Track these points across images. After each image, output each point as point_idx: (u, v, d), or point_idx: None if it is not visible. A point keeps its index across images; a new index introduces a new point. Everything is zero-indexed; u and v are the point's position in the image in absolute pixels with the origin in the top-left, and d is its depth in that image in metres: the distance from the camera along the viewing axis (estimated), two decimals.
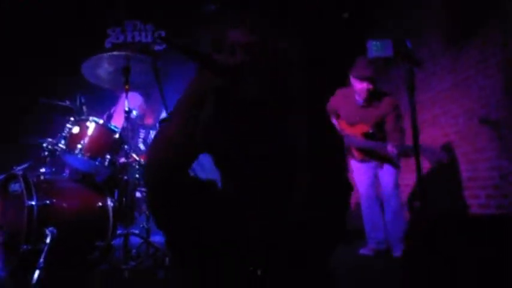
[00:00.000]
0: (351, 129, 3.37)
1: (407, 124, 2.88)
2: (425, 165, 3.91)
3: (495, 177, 3.28)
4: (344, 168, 1.50)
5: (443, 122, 3.89)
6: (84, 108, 2.85)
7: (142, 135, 3.92)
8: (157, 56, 4.86)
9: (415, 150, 2.25)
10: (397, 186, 3.32)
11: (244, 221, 1.35)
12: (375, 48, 2.90)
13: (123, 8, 4.86)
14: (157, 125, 3.23)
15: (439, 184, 3.82)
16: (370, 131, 3.29)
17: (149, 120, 3.98)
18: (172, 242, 1.36)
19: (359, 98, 3.32)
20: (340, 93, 3.39)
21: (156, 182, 1.32)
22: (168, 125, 1.36)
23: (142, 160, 2.90)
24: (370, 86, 3.24)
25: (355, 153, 3.38)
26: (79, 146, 2.64)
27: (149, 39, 5.16)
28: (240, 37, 1.33)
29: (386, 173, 3.34)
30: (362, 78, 3.23)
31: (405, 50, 2.44)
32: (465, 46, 3.57)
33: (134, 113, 2.98)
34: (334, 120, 3.44)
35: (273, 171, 1.34)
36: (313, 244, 1.30)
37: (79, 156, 2.63)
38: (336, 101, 3.39)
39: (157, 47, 5.09)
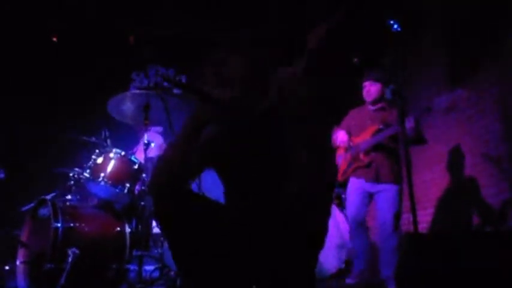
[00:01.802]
0: (361, 137, 3.38)
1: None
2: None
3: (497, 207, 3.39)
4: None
5: (447, 159, 4.04)
6: (109, 141, 3.16)
7: None
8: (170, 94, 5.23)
9: (409, 189, 2.40)
10: (397, 217, 3.17)
11: (247, 236, 1.51)
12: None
13: (149, 52, 5.30)
14: None
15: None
16: (381, 126, 3.31)
17: None
18: (175, 250, 1.50)
19: (369, 103, 3.44)
20: (353, 112, 3.58)
21: (160, 193, 1.49)
22: (171, 146, 1.58)
23: None
24: (377, 86, 3.37)
25: (361, 159, 3.33)
26: (102, 174, 2.92)
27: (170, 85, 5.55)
28: (238, 71, 1.57)
29: (385, 199, 3.21)
30: (368, 79, 3.42)
31: (399, 98, 2.69)
32: (464, 86, 3.79)
33: (152, 145, 3.25)
34: (343, 134, 3.46)
35: (272, 181, 1.54)
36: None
37: (102, 183, 2.90)
38: (348, 120, 3.57)
39: (176, 91, 5.48)
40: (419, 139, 3.25)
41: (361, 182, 3.34)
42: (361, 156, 3.35)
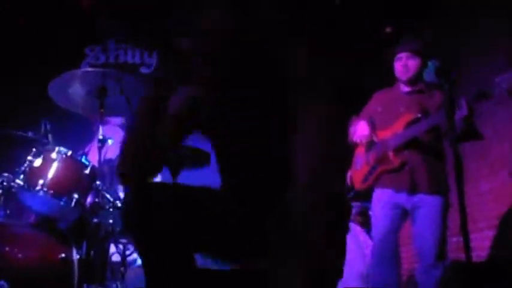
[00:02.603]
0: (390, 129, 3.39)
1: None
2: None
3: None
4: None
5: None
6: (50, 137, 3.16)
7: None
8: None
9: (460, 203, 2.40)
10: (442, 241, 3.16)
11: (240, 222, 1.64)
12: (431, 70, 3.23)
13: (107, 23, 5.30)
14: None
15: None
16: (418, 115, 3.29)
17: None
18: (140, 247, 1.61)
19: (404, 83, 3.43)
20: (379, 95, 3.58)
21: (137, 177, 1.65)
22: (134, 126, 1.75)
23: (120, 204, 3.15)
24: (416, 60, 3.37)
25: (390, 160, 3.33)
26: (40, 181, 2.91)
27: (137, 60, 5.59)
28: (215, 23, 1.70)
29: (425, 216, 3.21)
30: (404, 49, 3.40)
31: (446, 78, 2.70)
32: None
33: (110, 142, 3.27)
34: (363, 127, 3.46)
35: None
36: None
37: (40, 193, 2.90)
38: (372, 106, 3.57)
39: (144, 70, 5.52)
40: (472, 133, 3.23)
41: (390, 193, 3.32)
42: (390, 155, 3.33)
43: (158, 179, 4.55)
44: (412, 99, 3.41)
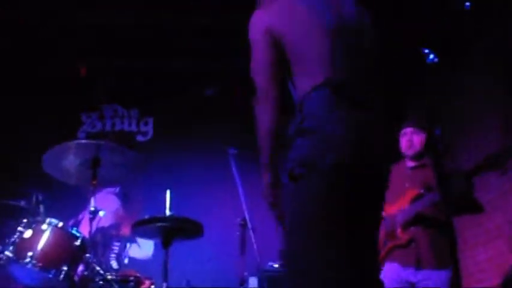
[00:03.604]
0: (397, 205, 3.42)
1: None
2: None
3: None
4: None
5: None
6: (41, 208, 3.16)
7: (116, 249, 4.14)
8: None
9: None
10: None
11: None
12: None
13: (102, 90, 5.41)
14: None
15: None
16: (421, 191, 3.33)
17: (126, 230, 4.17)
18: None
19: (408, 158, 3.49)
20: None
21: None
22: None
23: (110, 277, 3.11)
24: (421, 136, 3.44)
25: (398, 235, 3.38)
26: (30, 253, 2.89)
27: (133, 128, 5.64)
28: None
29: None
30: (408, 126, 3.48)
31: (433, 140, 2.74)
32: None
33: (101, 214, 3.26)
34: None
35: None
36: None
37: (29, 266, 2.86)
38: None
39: (140, 138, 5.56)
40: (471, 205, 3.27)
41: (398, 267, 3.35)
42: (398, 232, 3.38)
43: (150, 251, 4.54)
44: (416, 174, 3.48)
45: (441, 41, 3.75)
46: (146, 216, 3.21)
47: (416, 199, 3.35)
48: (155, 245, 4.43)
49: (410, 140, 3.48)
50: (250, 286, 4.53)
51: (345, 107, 1.73)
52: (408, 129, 3.50)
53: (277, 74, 1.84)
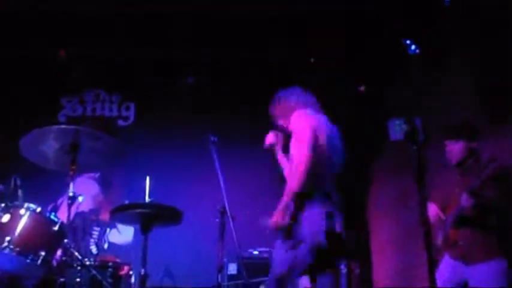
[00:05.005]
0: (451, 209, 3.68)
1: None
2: None
3: None
4: None
5: None
6: (20, 192, 3.14)
7: (95, 234, 4.12)
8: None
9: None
10: None
11: None
12: (397, 129, 3.32)
13: (82, 73, 5.37)
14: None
15: None
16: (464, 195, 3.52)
17: (105, 216, 4.14)
18: None
19: (455, 167, 3.72)
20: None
21: None
22: None
23: (88, 262, 3.11)
24: (457, 145, 3.66)
25: (451, 238, 3.60)
26: (7, 238, 2.87)
27: (114, 113, 5.62)
28: None
29: (482, 283, 3.38)
30: (446, 139, 3.70)
31: (412, 130, 2.78)
32: None
33: (80, 199, 3.24)
34: (430, 208, 3.70)
35: None
36: None
37: (6, 251, 2.85)
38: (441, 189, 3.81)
39: (121, 122, 5.55)
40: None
41: (452, 262, 3.61)
42: (450, 233, 3.62)
43: (130, 236, 4.53)
44: (462, 180, 3.67)
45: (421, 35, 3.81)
46: (126, 202, 3.22)
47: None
48: (135, 230, 4.43)
49: (450, 151, 3.71)
50: (229, 272, 4.58)
51: None
52: (447, 142, 3.72)
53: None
